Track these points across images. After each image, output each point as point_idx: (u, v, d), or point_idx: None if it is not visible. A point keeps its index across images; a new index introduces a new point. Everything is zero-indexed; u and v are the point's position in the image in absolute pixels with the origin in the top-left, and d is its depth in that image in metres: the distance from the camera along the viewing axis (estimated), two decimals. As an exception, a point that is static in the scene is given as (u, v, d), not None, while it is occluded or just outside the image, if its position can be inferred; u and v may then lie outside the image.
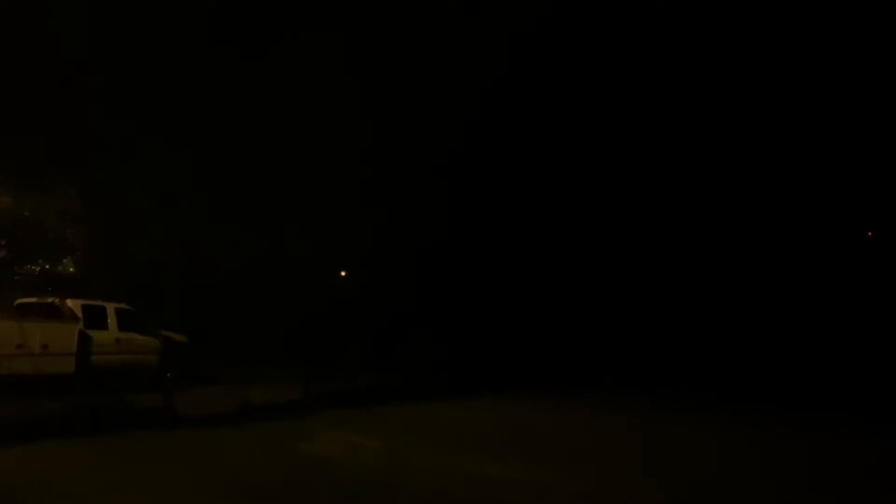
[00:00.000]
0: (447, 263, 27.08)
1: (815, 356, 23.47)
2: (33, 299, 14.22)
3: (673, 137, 27.05)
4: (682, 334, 25.55)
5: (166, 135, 22.24)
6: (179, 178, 22.62)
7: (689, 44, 25.21)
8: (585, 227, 28.40)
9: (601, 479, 8.49)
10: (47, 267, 20.52)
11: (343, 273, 28.87)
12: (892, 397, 18.68)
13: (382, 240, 26.49)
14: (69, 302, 13.63)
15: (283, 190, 25.19)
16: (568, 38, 25.55)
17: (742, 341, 24.93)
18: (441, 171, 26.46)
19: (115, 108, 21.44)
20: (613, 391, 20.10)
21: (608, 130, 27.31)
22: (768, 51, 25.24)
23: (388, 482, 7.85)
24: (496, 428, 12.53)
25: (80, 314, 13.37)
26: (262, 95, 23.73)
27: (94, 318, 13.71)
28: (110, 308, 14.30)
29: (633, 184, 27.89)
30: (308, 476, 7.98)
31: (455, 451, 9.69)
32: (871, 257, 27.21)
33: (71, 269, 21.08)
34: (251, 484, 7.47)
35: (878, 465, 10.54)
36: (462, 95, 25.39)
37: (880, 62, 24.56)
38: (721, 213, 27.45)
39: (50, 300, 13.81)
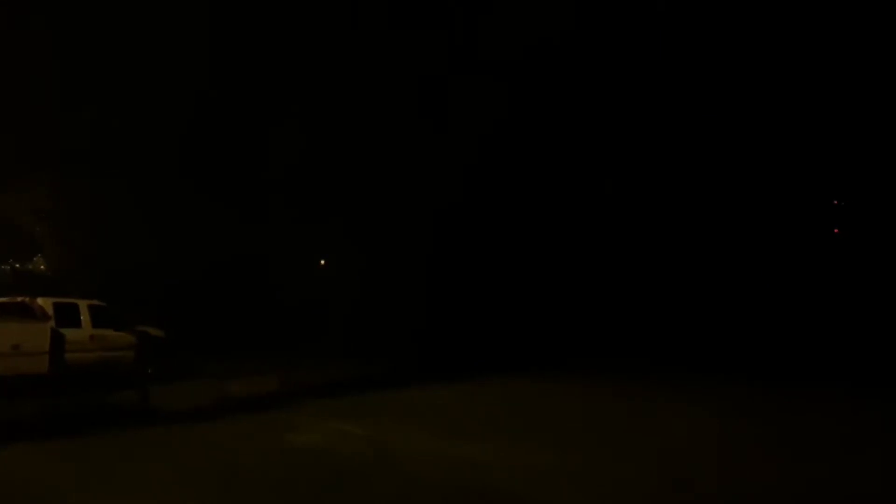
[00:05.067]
0: (432, 249, 26.91)
1: (790, 329, 23.85)
2: (3, 299, 13.90)
3: (642, 121, 27.05)
4: (665, 313, 25.73)
5: (138, 127, 21.80)
6: (151, 169, 22.19)
7: (656, 29, 25.22)
8: (569, 212, 28.35)
9: (587, 461, 8.53)
10: (17, 266, 20.10)
11: (322, 262, 28.65)
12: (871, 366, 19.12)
13: (364, 228, 26.29)
14: (40, 300, 13.35)
15: (261, 178, 24.84)
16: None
17: (723, 317, 25.13)
18: (427, 161, 26.25)
19: (85, 102, 20.95)
20: (601, 373, 20.09)
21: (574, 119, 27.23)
22: (726, 29, 25.28)
23: (372, 469, 7.82)
24: (482, 412, 12.52)
25: (51, 312, 13.10)
26: (245, 85, 23.28)
27: (67, 316, 13.45)
28: (83, 305, 14.03)
29: (606, 163, 27.86)
30: (291, 467, 7.91)
31: (440, 436, 9.67)
32: (843, 227, 27.69)
33: (42, 268, 20.66)
34: (233, 477, 7.39)
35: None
36: (456, 90, 25.29)
37: (843, 37, 24.80)
38: (697, 190, 27.59)
39: (20, 299, 13.51)
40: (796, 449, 9.45)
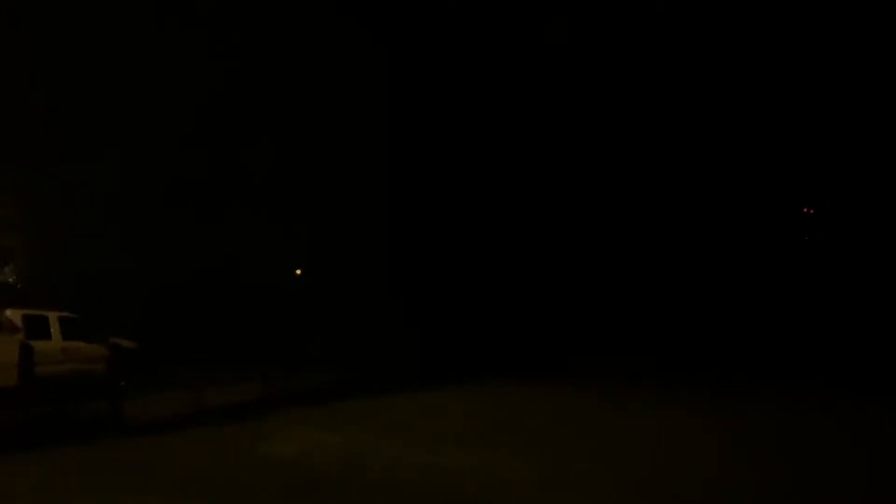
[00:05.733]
0: (410, 255, 26.79)
1: (771, 331, 24.23)
2: (-30, 312, 13.60)
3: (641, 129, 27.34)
4: (652, 316, 25.94)
5: (114, 136, 21.57)
6: (123, 179, 21.92)
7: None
8: (553, 218, 28.45)
9: (556, 466, 8.58)
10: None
11: (298, 272, 28.43)
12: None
13: (342, 232, 26.13)
14: (8, 312, 13.07)
15: (236, 188, 24.63)
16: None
17: (709, 320, 25.33)
18: (405, 158, 26.20)
19: (54, 109, 20.66)
20: (578, 377, 20.17)
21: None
22: (698, 42, 25.75)
23: (344, 478, 7.81)
24: (455, 419, 12.54)
25: (20, 324, 12.84)
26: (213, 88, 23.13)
27: (36, 328, 13.16)
28: (53, 317, 13.75)
29: (583, 170, 28.07)
30: (263, 477, 7.86)
31: (412, 444, 9.68)
32: (813, 234, 28.27)
33: (11, 280, 20.28)
34: (205, 488, 7.33)
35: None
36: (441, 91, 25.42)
37: (816, 51, 25.39)
38: (682, 197, 27.90)
39: (-13, 312, 13.23)
40: (794, 451, 9.60)
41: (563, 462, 8.74)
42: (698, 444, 10.08)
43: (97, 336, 14.58)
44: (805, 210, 28.87)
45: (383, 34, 24.56)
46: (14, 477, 7.76)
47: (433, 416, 12.80)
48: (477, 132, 26.76)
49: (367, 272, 25.91)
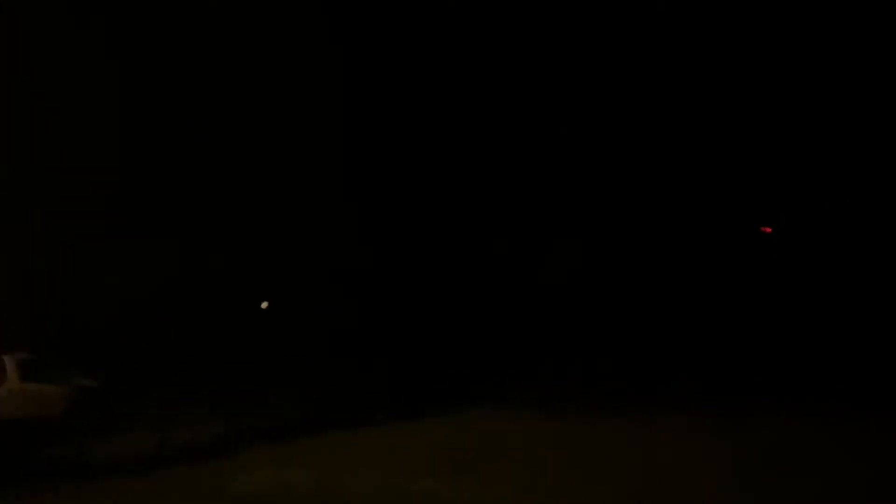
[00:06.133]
0: (378, 278, 26.56)
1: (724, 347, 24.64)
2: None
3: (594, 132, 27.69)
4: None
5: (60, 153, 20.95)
6: (69, 190, 21.19)
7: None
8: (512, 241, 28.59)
9: (548, 495, 8.49)
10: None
11: (265, 304, 27.95)
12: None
13: (308, 253, 25.84)
14: (-39, 355, 12.60)
15: (195, 200, 24.10)
16: None
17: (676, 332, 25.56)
18: (373, 177, 26.13)
19: None
20: (549, 403, 20.02)
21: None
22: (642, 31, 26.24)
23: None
24: (437, 449, 12.22)
25: (-26, 367, 12.38)
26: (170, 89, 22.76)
27: (-8, 371, 12.73)
28: (9, 359, 13.31)
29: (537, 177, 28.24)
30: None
31: (392, 476, 9.49)
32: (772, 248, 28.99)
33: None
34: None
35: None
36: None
37: (781, 63, 26.20)
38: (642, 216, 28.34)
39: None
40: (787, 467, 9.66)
41: (559, 485, 8.64)
42: (677, 459, 10.09)
43: (57, 376, 14.12)
44: (763, 229, 29.60)
45: (356, 37, 24.51)
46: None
47: (413, 447, 12.41)
48: (448, 144, 26.75)
49: (340, 295, 25.62)
